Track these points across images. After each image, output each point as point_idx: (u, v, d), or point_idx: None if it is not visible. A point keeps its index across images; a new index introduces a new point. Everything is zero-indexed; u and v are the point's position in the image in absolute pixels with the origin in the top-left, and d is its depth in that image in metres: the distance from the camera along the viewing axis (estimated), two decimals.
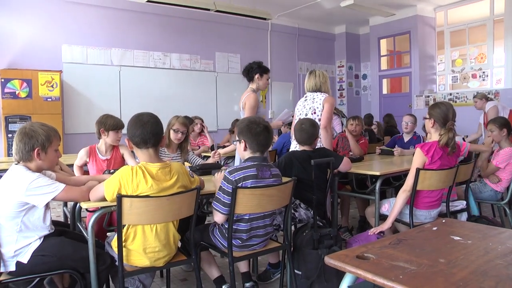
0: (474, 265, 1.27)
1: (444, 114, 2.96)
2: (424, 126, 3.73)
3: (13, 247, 2.15)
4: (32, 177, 2.12)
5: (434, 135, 3.03)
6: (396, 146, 4.79)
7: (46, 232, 2.25)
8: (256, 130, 2.55)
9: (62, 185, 2.17)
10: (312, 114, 3.80)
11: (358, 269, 1.24)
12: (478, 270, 1.23)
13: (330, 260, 1.32)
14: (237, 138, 2.66)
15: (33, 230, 2.20)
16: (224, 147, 5.55)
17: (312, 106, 3.86)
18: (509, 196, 3.90)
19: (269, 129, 2.62)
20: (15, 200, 2.10)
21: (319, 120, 3.80)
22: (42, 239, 2.22)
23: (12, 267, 2.17)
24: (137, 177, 2.14)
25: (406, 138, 4.97)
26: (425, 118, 3.08)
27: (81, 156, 3.45)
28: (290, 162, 3.18)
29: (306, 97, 4.01)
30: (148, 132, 2.21)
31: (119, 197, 2.08)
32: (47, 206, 2.21)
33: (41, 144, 2.17)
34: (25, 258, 2.17)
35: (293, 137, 3.75)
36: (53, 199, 2.15)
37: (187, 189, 2.30)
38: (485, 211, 5.03)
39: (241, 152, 2.64)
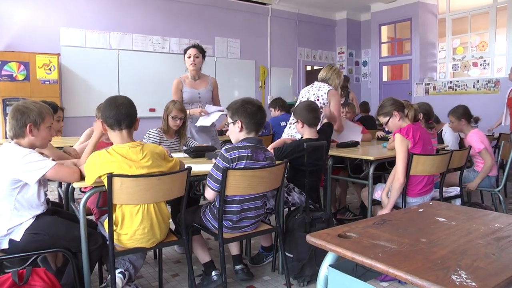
0: (455, 245, 1.27)
1: (395, 101, 3.11)
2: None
3: (6, 226, 2.17)
4: (24, 152, 2.14)
5: (403, 123, 3.09)
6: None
7: (40, 211, 2.27)
8: (252, 109, 2.55)
9: (53, 163, 2.18)
10: (315, 100, 3.85)
11: (338, 247, 1.25)
12: (458, 249, 1.23)
13: (311, 238, 1.32)
14: (230, 120, 2.64)
15: (28, 209, 2.21)
16: (221, 131, 5.56)
17: (316, 93, 3.91)
18: (503, 184, 3.91)
19: (263, 108, 2.64)
20: (8, 177, 2.12)
21: (321, 108, 3.85)
22: (35, 218, 2.24)
23: (5, 245, 2.20)
24: (104, 158, 2.15)
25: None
26: (385, 124, 3.18)
27: (88, 133, 3.45)
28: (292, 152, 3.11)
29: (312, 84, 4.08)
30: (122, 113, 2.22)
31: (110, 177, 2.09)
32: (40, 182, 2.23)
33: (33, 120, 2.20)
34: (17, 236, 2.19)
35: (291, 126, 3.78)
36: (44, 176, 2.16)
37: (165, 171, 2.29)
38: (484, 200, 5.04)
39: (236, 133, 2.62)
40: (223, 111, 3.97)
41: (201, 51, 4.13)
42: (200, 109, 4.00)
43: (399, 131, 3.00)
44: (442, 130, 4.61)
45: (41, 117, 2.23)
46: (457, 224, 1.49)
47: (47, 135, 2.31)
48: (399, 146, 2.98)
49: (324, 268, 1.35)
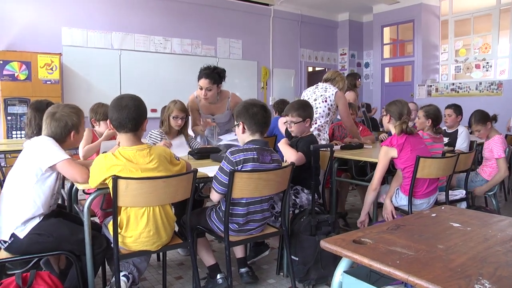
0: (473, 252, 1.24)
1: (399, 110, 3.10)
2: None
3: (13, 219, 2.18)
4: (45, 138, 2.24)
5: (393, 130, 3.12)
6: None
7: (49, 207, 2.29)
8: (253, 110, 2.55)
9: (67, 156, 2.20)
10: (323, 101, 3.87)
11: (354, 254, 1.22)
12: (477, 257, 1.20)
13: (326, 244, 1.29)
14: (235, 123, 2.65)
15: (42, 201, 2.23)
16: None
17: (324, 94, 3.92)
18: (496, 188, 3.88)
19: (266, 109, 2.61)
20: (33, 166, 2.19)
21: (329, 109, 3.89)
22: (41, 218, 2.24)
23: (6, 236, 2.18)
24: (110, 161, 2.13)
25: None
26: (382, 115, 3.23)
27: (89, 134, 3.41)
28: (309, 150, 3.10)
29: (317, 86, 4.07)
30: (124, 117, 2.18)
31: (115, 179, 2.06)
32: (57, 177, 2.27)
33: (76, 127, 2.34)
34: (21, 234, 2.18)
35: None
36: (54, 166, 2.18)
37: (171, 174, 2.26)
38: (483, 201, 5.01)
39: (241, 136, 2.63)
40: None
41: (215, 81, 3.59)
42: (206, 121, 3.65)
43: (384, 143, 3.08)
44: (457, 130, 4.54)
45: (80, 121, 2.36)
46: (473, 230, 1.46)
47: (83, 135, 2.51)
48: (381, 157, 3.06)
49: (339, 274, 1.32)
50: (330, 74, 4.14)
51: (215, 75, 3.58)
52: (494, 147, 3.78)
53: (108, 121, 2.30)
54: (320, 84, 4.08)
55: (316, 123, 3.83)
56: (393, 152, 3.00)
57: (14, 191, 2.23)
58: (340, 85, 4.05)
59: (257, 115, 2.55)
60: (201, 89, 3.61)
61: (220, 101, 3.78)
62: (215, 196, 2.46)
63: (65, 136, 2.31)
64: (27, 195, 2.20)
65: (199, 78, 3.61)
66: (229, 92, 3.86)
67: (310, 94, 4.01)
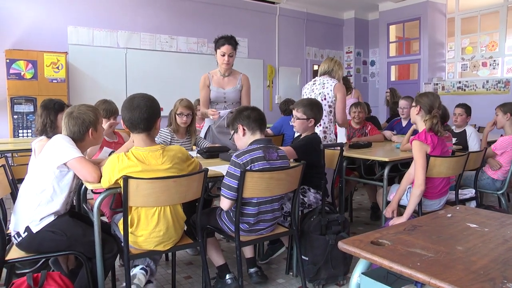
0: (494, 254, 1.22)
1: (431, 102, 2.95)
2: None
3: (30, 213, 2.20)
4: (61, 137, 2.26)
5: (420, 124, 2.99)
6: (394, 131, 4.75)
7: (62, 209, 2.30)
8: (247, 112, 2.61)
9: (79, 154, 2.20)
10: (322, 100, 3.71)
11: (373, 255, 1.20)
12: (498, 259, 1.18)
13: (344, 245, 1.27)
14: (232, 131, 2.68)
15: (59, 197, 2.26)
16: None
17: (322, 91, 3.75)
18: (506, 186, 3.84)
19: (257, 108, 2.67)
20: (48, 163, 2.21)
21: (329, 106, 3.74)
22: (56, 216, 2.26)
23: (21, 229, 2.19)
24: (122, 163, 2.11)
25: (404, 122, 4.87)
26: (411, 106, 3.09)
27: None
28: (312, 147, 3.06)
29: (314, 81, 3.91)
30: (136, 117, 2.17)
31: (126, 179, 2.05)
32: (74, 175, 2.29)
33: (93, 124, 2.36)
34: (35, 229, 2.19)
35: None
36: (67, 164, 2.20)
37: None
38: (492, 200, 4.99)
39: (241, 139, 2.63)
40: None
41: (235, 47, 3.77)
42: (211, 110, 3.66)
43: (417, 137, 2.91)
44: (465, 130, 4.49)
45: (97, 119, 2.39)
46: (491, 231, 1.44)
47: (102, 132, 2.51)
48: (418, 152, 2.86)
49: (356, 276, 1.30)
50: (326, 65, 3.91)
51: (233, 42, 3.75)
52: (504, 143, 3.77)
53: (121, 120, 2.30)
54: (317, 79, 3.89)
55: (320, 124, 3.66)
56: (427, 149, 2.88)
57: (33, 186, 2.25)
58: (340, 74, 3.89)
59: (252, 114, 2.59)
60: (223, 55, 3.73)
61: (232, 74, 3.89)
62: (225, 204, 2.42)
63: (84, 133, 2.32)
64: (46, 191, 2.23)
65: (221, 45, 3.74)
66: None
67: (309, 92, 3.85)
